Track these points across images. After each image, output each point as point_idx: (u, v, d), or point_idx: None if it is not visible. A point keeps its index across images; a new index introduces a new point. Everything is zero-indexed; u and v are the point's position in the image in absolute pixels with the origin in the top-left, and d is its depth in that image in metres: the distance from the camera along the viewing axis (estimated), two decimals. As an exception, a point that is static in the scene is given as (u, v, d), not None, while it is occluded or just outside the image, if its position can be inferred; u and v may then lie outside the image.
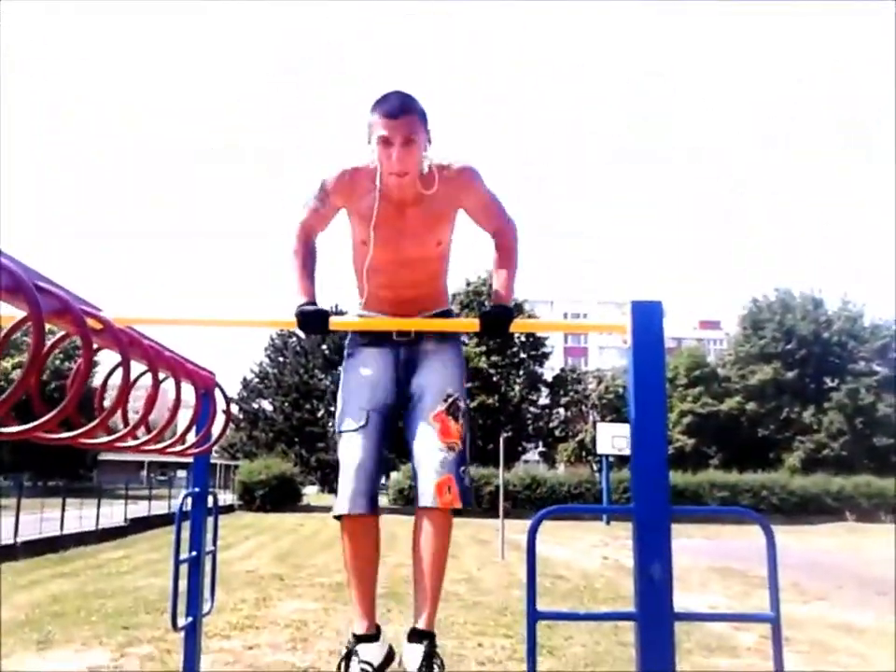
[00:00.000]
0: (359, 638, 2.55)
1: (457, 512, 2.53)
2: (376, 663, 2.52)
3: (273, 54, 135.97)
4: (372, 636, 2.57)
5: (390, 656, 2.62)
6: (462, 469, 2.53)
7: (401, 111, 2.34)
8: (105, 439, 1.84)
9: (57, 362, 37.39)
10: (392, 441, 2.70)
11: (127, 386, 1.62)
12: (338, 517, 2.56)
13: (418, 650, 2.42)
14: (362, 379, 2.69)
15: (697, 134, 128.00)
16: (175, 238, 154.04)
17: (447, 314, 2.82)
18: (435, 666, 2.42)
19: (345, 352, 2.80)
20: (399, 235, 2.53)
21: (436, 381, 2.61)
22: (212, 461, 3.42)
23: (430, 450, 2.52)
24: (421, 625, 2.47)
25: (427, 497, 2.49)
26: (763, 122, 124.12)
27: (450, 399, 2.58)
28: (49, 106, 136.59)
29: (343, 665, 2.51)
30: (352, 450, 2.57)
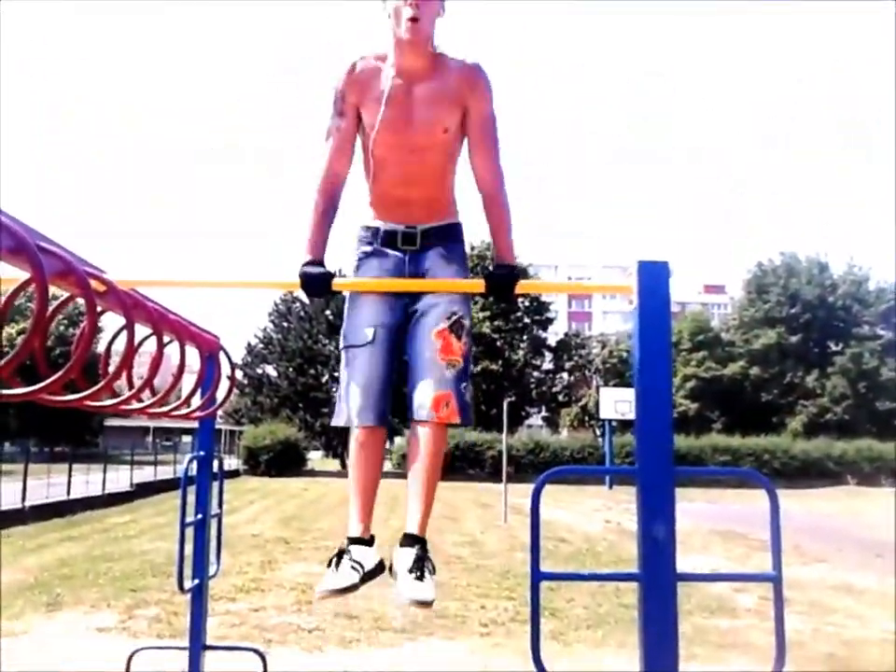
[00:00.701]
0: (353, 541, 2.58)
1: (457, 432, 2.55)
2: (367, 566, 2.54)
3: (273, 54, 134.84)
4: (366, 540, 2.60)
5: (381, 566, 2.63)
6: (463, 385, 2.55)
7: None
8: (109, 401, 1.84)
9: (62, 328, 37.46)
10: (398, 353, 2.68)
11: (131, 349, 1.61)
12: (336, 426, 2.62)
13: (409, 553, 2.43)
14: (369, 297, 2.67)
15: (697, 133, 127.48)
16: (176, 238, 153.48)
17: (456, 228, 2.77)
18: (426, 570, 2.40)
19: (353, 265, 2.77)
20: (408, 116, 2.52)
21: (441, 299, 2.60)
22: (217, 427, 3.43)
23: (430, 366, 2.54)
24: (412, 530, 2.48)
25: (423, 410, 2.51)
26: (763, 121, 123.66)
27: (454, 317, 2.57)
28: (49, 106, 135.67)
29: (334, 560, 2.53)
30: (359, 366, 2.58)
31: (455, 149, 2.67)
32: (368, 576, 2.54)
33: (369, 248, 2.72)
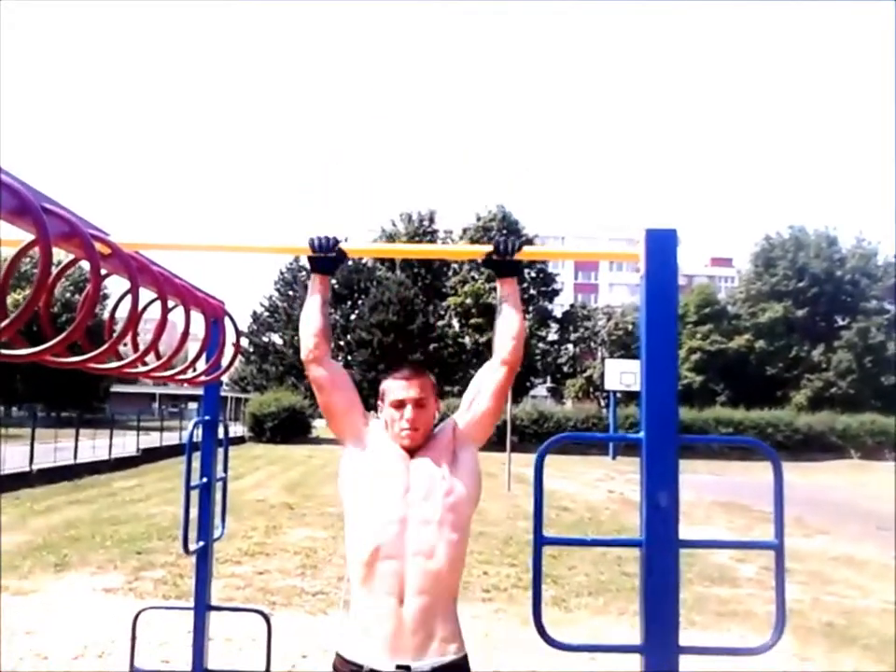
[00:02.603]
0: None
1: None
2: None
3: (274, 55, 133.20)
4: None
5: None
6: None
7: (413, 374, 2.37)
8: (115, 364, 1.84)
9: (67, 295, 37.52)
10: None
11: (135, 311, 1.61)
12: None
13: None
14: None
15: (703, 104, 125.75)
16: (182, 202, 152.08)
17: (464, 667, 2.25)
18: None
19: None
20: (405, 489, 2.25)
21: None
22: (222, 394, 3.44)
23: None
24: None
25: None
26: (771, 93, 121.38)
27: None
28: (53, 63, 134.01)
29: None
30: None
31: (465, 531, 2.38)
32: None
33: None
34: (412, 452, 2.30)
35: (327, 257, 2.36)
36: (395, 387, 2.35)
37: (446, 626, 2.20)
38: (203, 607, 3.18)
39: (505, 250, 2.33)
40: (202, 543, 3.15)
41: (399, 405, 2.31)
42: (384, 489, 2.23)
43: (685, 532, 1.72)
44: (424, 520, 2.21)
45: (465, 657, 2.24)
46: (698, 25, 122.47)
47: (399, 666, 2.12)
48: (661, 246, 1.76)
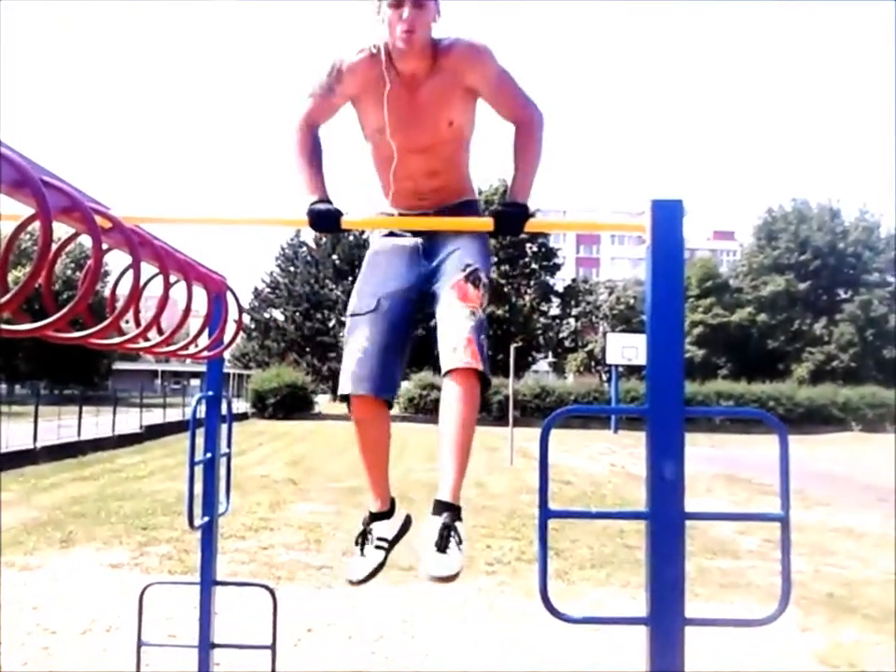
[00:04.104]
0: (374, 517, 2.65)
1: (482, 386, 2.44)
2: (391, 536, 2.63)
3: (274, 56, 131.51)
4: (386, 512, 2.66)
5: (406, 524, 2.71)
6: (481, 336, 2.44)
7: None
8: (117, 339, 1.83)
9: (68, 272, 37.48)
10: (410, 329, 2.65)
11: (137, 286, 1.60)
12: (344, 398, 2.55)
13: (436, 522, 2.25)
14: (378, 268, 2.64)
15: (707, 79, 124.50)
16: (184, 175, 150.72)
17: (471, 204, 2.71)
18: (451, 541, 2.22)
19: (370, 248, 2.76)
20: (410, 118, 2.46)
21: (455, 255, 2.55)
22: (225, 371, 3.43)
23: (451, 314, 2.46)
24: (444, 496, 2.30)
25: (449, 358, 2.40)
26: (775, 67, 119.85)
27: (468, 269, 2.50)
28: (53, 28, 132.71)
29: (360, 542, 2.64)
30: (359, 335, 2.53)
31: (465, 136, 2.62)
32: (395, 541, 2.65)
33: (385, 231, 2.70)
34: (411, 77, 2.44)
35: (328, 214, 2.35)
36: None
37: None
38: (208, 582, 3.19)
39: (508, 229, 2.31)
40: (206, 519, 3.15)
41: (397, 5, 2.33)
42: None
43: (688, 505, 1.71)
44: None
45: (475, 200, 2.78)
46: (702, 7, 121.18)
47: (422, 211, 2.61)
48: (667, 217, 1.74)
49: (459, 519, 2.29)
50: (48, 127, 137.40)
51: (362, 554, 2.59)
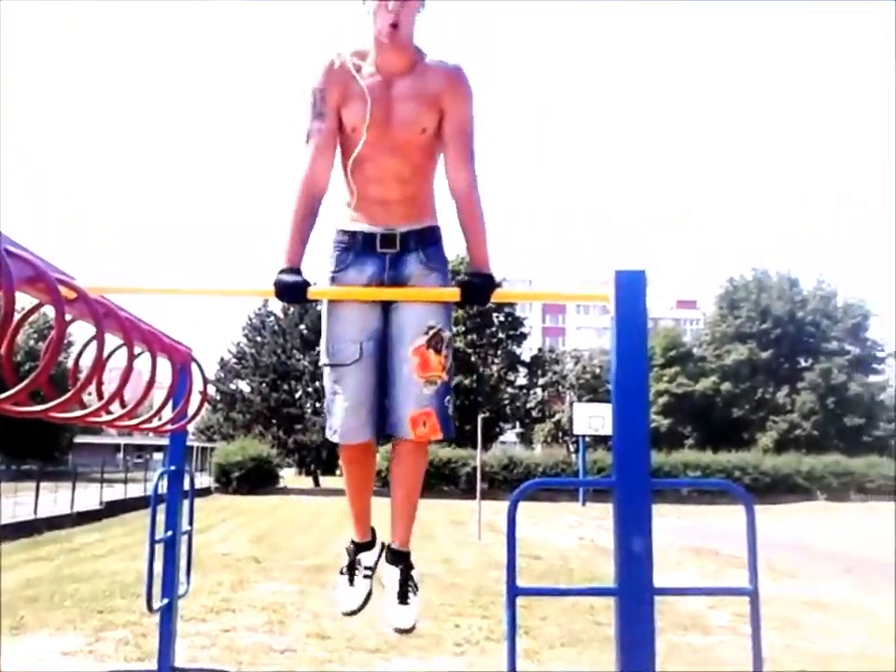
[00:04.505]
0: (359, 547, 2.82)
1: (442, 443, 2.61)
2: (373, 563, 2.83)
3: (275, 57, 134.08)
4: (369, 542, 2.84)
5: (381, 550, 2.83)
6: (445, 399, 2.52)
7: None
8: (78, 413, 1.80)
9: (31, 342, 36.93)
10: (384, 368, 2.62)
11: (100, 358, 1.58)
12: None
13: (394, 574, 2.60)
14: (351, 310, 2.58)
15: (667, 150, 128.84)
16: (152, 247, 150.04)
17: (436, 231, 2.72)
18: (410, 591, 2.58)
19: (329, 266, 2.66)
20: (388, 114, 2.49)
21: (417, 312, 2.52)
22: (188, 443, 3.38)
23: (407, 383, 2.50)
24: (395, 545, 2.64)
25: (401, 429, 2.51)
26: (730, 143, 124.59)
27: (431, 332, 2.51)
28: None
29: (347, 572, 2.79)
30: (349, 385, 2.52)
31: (434, 150, 2.63)
32: (374, 568, 2.82)
33: (346, 255, 2.64)
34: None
35: (295, 286, 2.36)
36: None
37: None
38: (166, 669, 3.08)
39: (475, 300, 2.35)
40: (166, 601, 3.06)
41: None
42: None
43: (657, 579, 1.70)
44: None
45: (438, 227, 2.76)
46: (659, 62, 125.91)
47: (386, 228, 2.61)
48: (630, 288, 1.77)
49: (412, 566, 2.63)
50: (47, 127, 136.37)
51: (351, 585, 2.76)
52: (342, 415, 2.52)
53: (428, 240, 2.65)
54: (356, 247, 2.62)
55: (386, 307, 2.60)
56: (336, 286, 2.63)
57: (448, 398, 2.54)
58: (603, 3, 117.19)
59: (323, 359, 2.62)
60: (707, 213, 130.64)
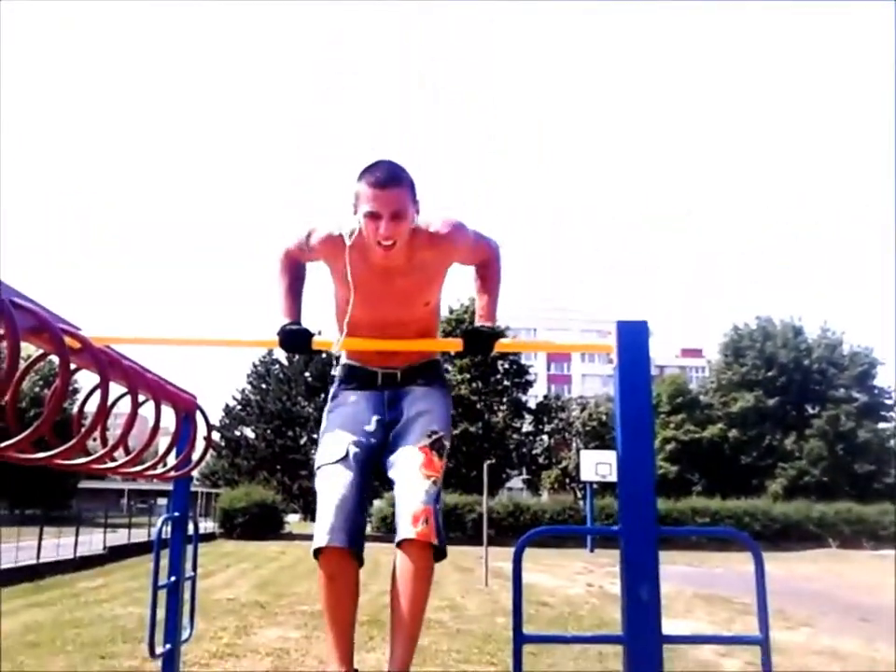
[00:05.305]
0: None
1: (438, 554, 2.39)
2: None
3: (276, 59, 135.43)
4: None
5: None
6: (437, 506, 2.40)
7: (390, 182, 2.28)
8: (82, 460, 1.80)
9: (36, 389, 36.97)
10: (373, 477, 2.61)
11: (105, 407, 1.58)
12: (316, 552, 2.40)
13: None
14: (344, 416, 2.62)
15: (670, 198, 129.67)
16: (154, 296, 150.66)
17: (437, 364, 2.75)
18: None
19: (330, 395, 2.73)
20: (384, 298, 2.48)
21: (422, 419, 2.54)
22: (193, 489, 3.37)
23: (413, 480, 2.40)
24: (395, 668, 2.29)
25: (403, 525, 2.35)
26: (734, 187, 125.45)
27: (434, 437, 2.50)
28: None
29: None
30: (330, 484, 2.44)
31: (437, 307, 2.69)
32: None
33: (349, 384, 2.70)
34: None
35: (299, 336, 2.39)
36: (369, 196, 2.29)
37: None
38: (167, 716, 3.03)
39: (478, 350, 2.35)
40: (168, 646, 3.03)
41: (374, 217, 2.28)
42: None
43: (666, 626, 1.68)
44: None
45: (439, 360, 2.78)
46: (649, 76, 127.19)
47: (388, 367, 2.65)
48: (633, 338, 1.78)
49: None
50: (47, 127, 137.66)
51: None
52: (321, 517, 2.40)
53: (430, 371, 2.70)
54: (357, 380, 2.70)
55: (385, 415, 2.62)
56: (336, 405, 2.68)
57: (439, 506, 2.41)
58: (603, 3, 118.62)
59: (315, 464, 2.59)
60: (707, 213, 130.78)
